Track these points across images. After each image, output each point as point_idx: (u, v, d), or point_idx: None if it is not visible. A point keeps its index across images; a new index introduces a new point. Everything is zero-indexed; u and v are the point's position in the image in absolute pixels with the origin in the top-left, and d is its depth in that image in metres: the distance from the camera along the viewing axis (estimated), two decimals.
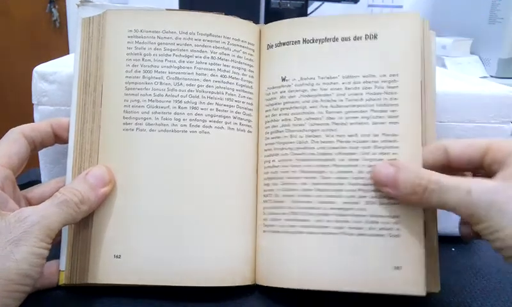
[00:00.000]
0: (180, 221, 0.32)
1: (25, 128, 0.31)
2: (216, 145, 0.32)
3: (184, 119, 0.32)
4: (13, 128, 0.31)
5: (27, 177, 0.42)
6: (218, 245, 0.32)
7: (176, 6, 1.07)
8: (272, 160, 0.33)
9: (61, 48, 1.62)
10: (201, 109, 0.32)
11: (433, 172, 0.27)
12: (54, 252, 0.31)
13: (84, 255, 0.31)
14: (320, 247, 0.31)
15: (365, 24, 0.33)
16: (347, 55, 0.32)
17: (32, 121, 0.36)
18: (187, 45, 0.33)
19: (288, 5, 1.12)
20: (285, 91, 0.33)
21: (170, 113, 0.32)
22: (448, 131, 0.38)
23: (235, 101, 0.33)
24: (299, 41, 0.34)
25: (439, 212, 0.30)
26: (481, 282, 0.34)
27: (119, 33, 0.33)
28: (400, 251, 0.30)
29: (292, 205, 0.32)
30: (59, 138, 0.33)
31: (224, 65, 0.33)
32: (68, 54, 0.61)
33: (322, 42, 0.33)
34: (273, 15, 1.11)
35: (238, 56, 0.34)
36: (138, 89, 0.32)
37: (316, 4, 1.26)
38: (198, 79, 0.33)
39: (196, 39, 0.33)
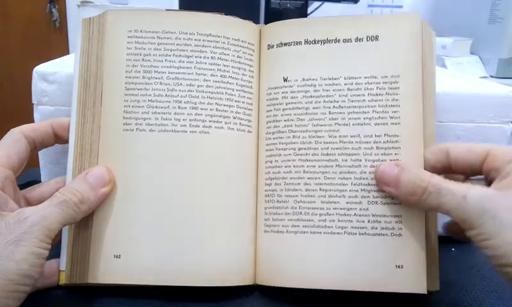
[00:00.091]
0: (180, 221, 0.32)
1: (25, 128, 0.31)
2: (216, 145, 0.32)
3: (183, 120, 0.32)
4: (14, 129, 0.31)
5: (27, 177, 0.42)
6: (218, 245, 0.32)
7: (176, 6, 1.07)
8: (275, 161, 0.33)
9: (61, 48, 1.62)
10: (201, 109, 0.32)
11: (434, 175, 0.27)
12: (54, 252, 0.31)
13: (84, 255, 0.31)
14: (323, 246, 0.31)
15: (366, 26, 0.33)
16: (348, 56, 0.33)
17: (32, 121, 0.36)
18: (187, 45, 0.33)
19: (288, 5, 1.12)
20: (287, 92, 0.33)
21: (170, 113, 0.32)
22: (448, 131, 0.38)
23: (235, 101, 0.33)
24: (300, 42, 0.34)
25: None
26: (481, 282, 0.34)
27: (119, 33, 0.33)
28: (402, 250, 0.30)
29: (296, 205, 0.32)
30: (59, 138, 0.33)
31: (224, 65, 0.33)
32: (68, 54, 0.61)
33: (323, 43, 0.33)
34: (273, 15, 1.11)
35: (238, 56, 0.34)
36: (138, 89, 0.32)
37: (316, 4, 1.26)
38: (197, 79, 0.33)
39: (195, 40, 0.33)
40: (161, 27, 0.33)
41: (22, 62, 1.59)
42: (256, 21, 0.35)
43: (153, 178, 0.32)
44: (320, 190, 0.32)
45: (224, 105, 0.33)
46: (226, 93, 0.33)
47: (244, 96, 0.34)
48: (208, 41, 0.33)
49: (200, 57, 0.33)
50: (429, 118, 0.32)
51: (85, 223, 0.31)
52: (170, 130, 0.32)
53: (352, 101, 0.32)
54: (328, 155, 0.32)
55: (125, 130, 0.32)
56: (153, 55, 0.33)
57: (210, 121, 0.32)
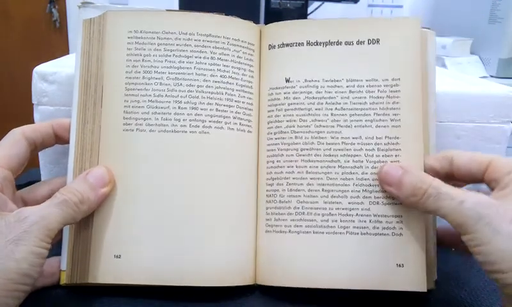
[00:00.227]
0: (180, 221, 0.32)
1: (26, 129, 0.31)
2: (216, 145, 0.32)
3: (183, 120, 0.32)
4: (14, 129, 0.31)
5: (27, 177, 0.42)
6: (218, 245, 0.32)
7: (176, 7, 1.07)
8: (277, 161, 0.33)
9: (61, 48, 1.63)
10: (201, 109, 0.32)
11: (436, 179, 0.28)
12: (54, 251, 0.31)
13: (85, 255, 0.31)
14: (326, 246, 0.31)
15: (368, 29, 0.33)
16: (350, 59, 0.33)
17: (32, 121, 0.36)
18: (187, 45, 0.33)
19: (288, 5, 1.12)
20: (289, 93, 0.33)
21: (170, 113, 0.32)
22: (448, 131, 0.38)
23: (235, 101, 0.33)
24: (302, 43, 0.34)
25: None
26: (481, 282, 0.34)
27: (119, 34, 0.33)
28: (402, 249, 0.31)
29: (298, 205, 0.32)
30: (60, 138, 0.33)
31: (224, 65, 0.33)
32: (68, 54, 0.61)
33: (325, 45, 0.34)
34: (273, 15, 1.11)
35: (238, 56, 0.34)
36: (138, 89, 0.32)
37: (316, 4, 1.26)
38: (197, 79, 0.33)
39: (195, 40, 0.33)
40: (161, 27, 0.33)
41: (22, 62, 1.59)
42: (256, 21, 0.35)
43: (154, 178, 0.32)
44: (322, 190, 0.32)
45: (224, 105, 0.33)
46: (226, 93, 0.33)
47: (244, 96, 0.34)
48: (208, 41, 0.33)
49: (200, 57, 0.33)
50: (429, 121, 0.33)
51: (85, 223, 0.31)
52: (170, 130, 0.32)
53: (354, 103, 0.32)
54: (330, 155, 0.32)
55: (125, 130, 0.32)
56: (153, 55, 0.33)
57: (210, 121, 0.32)
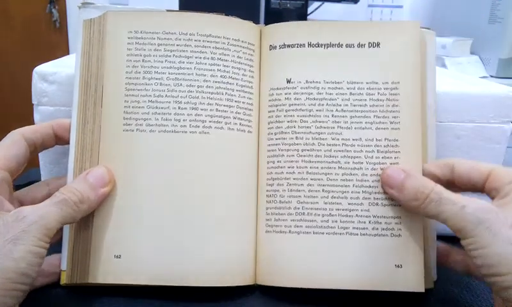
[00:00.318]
0: (181, 221, 0.32)
1: (25, 130, 0.31)
2: (216, 145, 0.32)
3: (183, 120, 0.32)
4: (14, 130, 0.31)
5: (27, 177, 0.42)
6: (218, 246, 0.32)
7: (176, 7, 1.07)
8: (278, 161, 0.33)
9: (61, 49, 1.63)
10: (201, 109, 0.32)
11: (437, 184, 0.28)
12: (53, 250, 0.31)
13: (85, 255, 0.31)
14: (326, 247, 0.32)
15: (368, 32, 0.34)
16: (351, 61, 0.33)
17: (32, 122, 0.36)
18: (187, 45, 0.33)
19: (288, 5, 1.12)
20: (290, 93, 0.33)
21: (170, 114, 0.32)
22: (448, 131, 0.38)
23: (235, 101, 0.33)
24: (304, 44, 0.34)
25: None
26: (481, 282, 0.34)
27: (119, 34, 0.33)
28: (401, 250, 0.31)
29: (299, 206, 0.32)
30: (60, 139, 0.33)
31: (224, 65, 0.33)
32: (68, 54, 0.61)
33: (327, 47, 0.34)
34: (273, 15, 1.11)
35: (238, 56, 0.34)
36: (138, 89, 0.32)
37: (316, 4, 1.26)
38: (197, 80, 0.33)
39: (196, 40, 0.33)
40: (161, 27, 0.33)
41: (22, 62, 1.59)
42: (256, 21, 0.36)
43: (154, 178, 0.32)
44: (323, 191, 0.32)
45: (224, 105, 0.33)
46: (226, 93, 0.33)
47: (244, 97, 0.34)
48: (208, 41, 0.33)
49: (200, 57, 0.33)
50: (429, 121, 0.33)
51: (85, 223, 0.31)
52: (170, 130, 0.32)
53: (354, 105, 0.33)
54: (330, 156, 0.32)
55: (125, 130, 0.32)
56: (154, 55, 0.33)
57: (210, 122, 0.32)
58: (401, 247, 0.31)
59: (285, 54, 0.34)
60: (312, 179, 0.32)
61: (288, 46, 0.34)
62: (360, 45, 0.34)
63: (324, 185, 0.32)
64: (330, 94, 0.33)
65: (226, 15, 0.34)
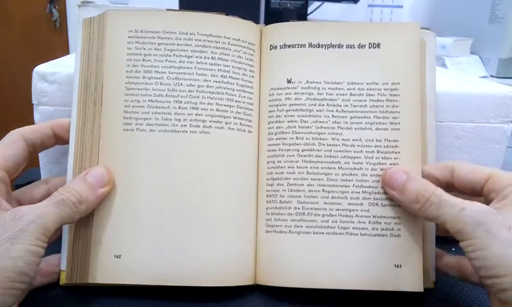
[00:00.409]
0: (181, 221, 0.32)
1: (24, 130, 0.31)
2: (216, 145, 0.32)
3: (184, 120, 0.32)
4: (13, 131, 0.31)
5: (27, 177, 0.42)
6: (218, 246, 0.32)
7: (177, 6, 1.07)
8: (278, 161, 0.33)
9: (61, 48, 1.63)
10: (202, 109, 0.32)
11: (438, 187, 0.29)
12: (53, 249, 0.31)
13: (85, 255, 0.31)
14: (326, 247, 0.32)
15: (369, 33, 0.34)
16: (351, 62, 0.34)
17: (32, 121, 0.36)
18: (188, 45, 0.33)
19: (288, 5, 1.12)
20: (290, 93, 0.33)
21: (170, 113, 0.32)
22: (448, 131, 0.38)
23: (236, 101, 0.33)
24: (304, 44, 0.34)
25: None
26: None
27: (119, 33, 0.33)
28: (400, 250, 0.31)
29: (299, 206, 0.32)
30: (59, 139, 0.33)
31: (225, 65, 0.33)
32: (68, 54, 0.61)
33: (327, 48, 0.34)
34: (273, 15, 1.11)
35: (238, 56, 0.34)
36: (138, 89, 0.32)
37: (316, 4, 1.26)
38: (198, 79, 0.33)
39: (196, 40, 0.33)
40: (162, 27, 0.33)
41: (22, 62, 1.59)
42: (256, 21, 0.35)
43: (154, 178, 0.32)
44: (323, 191, 0.32)
45: (224, 105, 0.33)
46: (226, 93, 0.33)
47: (244, 96, 0.34)
48: (208, 41, 0.33)
49: (201, 57, 0.33)
50: (429, 122, 0.33)
51: (85, 223, 0.31)
52: (170, 130, 0.32)
53: (354, 106, 0.33)
54: (331, 157, 0.32)
55: (125, 130, 0.32)
56: (154, 55, 0.33)
57: (210, 121, 0.32)
58: (400, 247, 0.31)
59: (286, 54, 0.34)
60: (312, 179, 0.32)
61: (289, 46, 0.34)
62: (361, 46, 0.34)
63: (324, 185, 0.32)
64: (330, 94, 0.33)
65: (226, 14, 0.34)
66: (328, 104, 0.33)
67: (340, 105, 0.33)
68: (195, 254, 0.31)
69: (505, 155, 0.39)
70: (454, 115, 0.37)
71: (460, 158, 0.38)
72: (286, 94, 0.34)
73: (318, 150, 0.33)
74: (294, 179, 0.33)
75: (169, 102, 0.32)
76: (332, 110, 0.33)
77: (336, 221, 0.32)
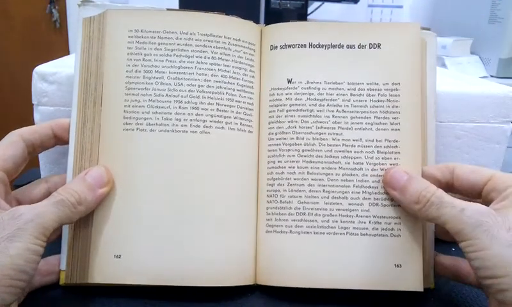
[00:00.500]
0: (181, 221, 0.32)
1: (24, 131, 0.31)
2: (217, 145, 0.32)
3: (184, 120, 0.32)
4: (13, 131, 0.31)
5: (27, 177, 0.42)
6: (218, 245, 0.32)
7: (176, 6, 1.07)
8: (278, 161, 0.33)
9: (61, 49, 1.63)
10: (202, 109, 0.32)
11: (439, 188, 0.29)
12: (53, 249, 0.31)
13: (84, 255, 0.31)
14: (326, 247, 0.32)
15: (369, 33, 0.34)
16: (352, 62, 0.34)
17: (32, 122, 0.36)
18: (188, 45, 0.33)
19: (288, 5, 1.12)
20: (291, 93, 0.33)
21: (171, 113, 0.32)
22: (448, 131, 0.38)
23: (236, 101, 0.33)
24: (305, 45, 0.34)
25: None
26: None
27: (119, 33, 0.33)
28: (400, 250, 0.31)
29: (299, 206, 0.32)
30: (59, 139, 0.33)
31: (225, 65, 0.33)
32: (68, 54, 0.61)
33: (327, 48, 0.34)
34: (273, 15, 1.11)
35: (239, 56, 0.34)
36: (139, 89, 0.32)
37: (316, 4, 1.26)
38: (198, 79, 0.33)
39: (196, 40, 0.33)
40: (162, 26, 0.33)
41: (22, 62, 1.59)
42: (256, 21, 0.35)
43: (154, 178, 0.32)
44: (323, 191, 0.32)
45: (225, 105, 0.33)
46: (227, 93, 0.33)
47: (244, 96, 0.34)
48: (209, 41, 0.33)
49: (201, 57, 0.33)
50: (429, 122, 0.33)
51: (85, 223, 0.31)
52: (171, 130, 0.32)
53: (355, 106, 0.33)
54: (331, 157, 0.32)
55: (125, 129, 0.32)
56: (154, 55, 0.33)
57: (210, 121, 0.32)
58: (401, 247, 0.31)
59: (286, 54, 0.34)
60: (312, 179, 0.32)
61: (290, 46, 0.34)
62: (361, 46, 0.34)
63: (324, 186, 0.32)
64: (331, 94, 0.33)
65: (227, 14, 0.34)
66: (328, 104, 0.33)
67: (341, 106, 0.33)
68: (195, 254, 0.31)
69: (505, 155, 0.39)
70: (454, 115, 0.37)
71: (460, 158, 0.38)
72: (286, 94, 0.34)
73: (318, 150, 0.33)
74: (295, 179, 0.33)
75: (170, 101, 0.32)
76: (332, 111, 0.33)
77: (336, 221, 0.32)
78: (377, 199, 0.32)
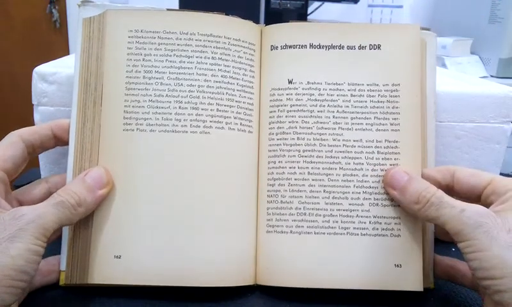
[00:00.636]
0: (181, 221, 0.32)
1: (24, 131, 0.31)
2: (217, 145, 0.32)
3: (184, 120, 0.32)
4: (12, 132, 0.31)
5: (27, 177, 0.42)
6: (218, 246, 0.32)
7: (176, 6, 1.07)
8: (279, 161, 0.33)
9: (61, 49, 1.63)
10: (202, 109, 0.32)
11: (439, 189, 0.29)
12: (53, 250, 0.31)
13: (84, 255, 0.31)
14: (327, 247, 0.32)
15: (369, 34, 0.34)
16: (352, 63, 0.34)
17: (32, 122, 0.36)
18: (188, 45, 0.33)
19: (288, 5, 1.12)
20: (291, 94, 0.34)
21: (171, 113, 0.32)
22: (448, 131, 0.38)
23: (236, 101, 0.33)
24: (305, 45, 0.34)
25: None
26: None
27: (119, 33, 0.33)
28: (400, 250, 0.32)
29: (300, 206, 0.32)
30: (59, 140, 0.33)
31: (225, 65, 0.33)
32: (68, 54, 0.61)
33: (328, 49, 0.34)
34: (273, 15, 1.11)
35: (239, 56, 0.34)
36: (138, 89, 0.32)
37: (316, 4, 1.26)
38: (198, 79, 0.33)
39: (196, 40, 0.33)
40: (162, 27, 0.33)
41: (22, 62, 1.59)
42: (256, 21, 0.35)
43: (154, 178, 0.32)
44: (324, 191, 0.32)
45: (225, 105, 0.33)
46: (227, 93, 0.33)
47: (245, 97, 0.34)
48: (209, 41, 0.33)
49: (201, 57, 0.33)
50: (428, 122, 0.34)
51: (85, 223, 0.31)
52: (171, 130, 0.32)
53: (355, 107, 0.33)
54: (332, 157, 0.33)
55: (125, 130, 0.32)
56: (154, 55, 0.33)
57: (211, 122, 0.32)
58: (401, 247, 0.31)
59: (287, 54, 0.34)
60: (313, 179, 0.32)
61: (290, 47, 0.34)
62: (361, 47, 0.34)
63: (325, 186, 0.32)
64: (331, 95, 0.33)
65: (226, 14, 0.34)
66: (328, 105, 0.33)
67: (341, 106, 0.33)
68: (195, 255, 0.31)
69: (505, 155, 0.39)
70: (454, 115, 0.37)
71: (460, 158, 0.38)
72: (287, 94, 0.34)
73: (319, 151, 0.33)
74: (295, 179, 0.33)
75: (170, 102, 0.32)
76: (333, 111, 0.33)
77: (337, 221, 0.32)
78: (377, 199, 0.32)
